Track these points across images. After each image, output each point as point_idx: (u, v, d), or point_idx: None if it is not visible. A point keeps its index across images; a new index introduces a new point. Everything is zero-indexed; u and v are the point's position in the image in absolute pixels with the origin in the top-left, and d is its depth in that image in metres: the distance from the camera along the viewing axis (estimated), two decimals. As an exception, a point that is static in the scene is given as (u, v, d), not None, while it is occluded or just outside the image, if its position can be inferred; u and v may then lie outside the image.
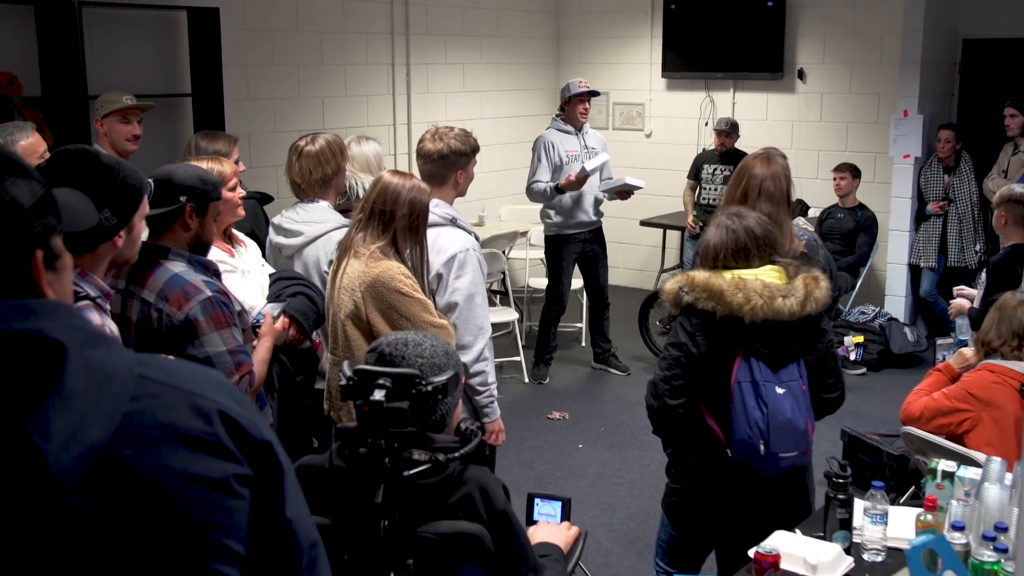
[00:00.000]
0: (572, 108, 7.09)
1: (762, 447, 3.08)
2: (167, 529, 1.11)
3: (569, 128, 7.11)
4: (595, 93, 7.19)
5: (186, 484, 1.12)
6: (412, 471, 2.04)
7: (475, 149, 3.93)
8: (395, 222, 3.39)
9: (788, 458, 3.12)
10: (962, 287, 5.30)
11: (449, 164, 3.84)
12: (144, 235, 2.76)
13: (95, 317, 2.44)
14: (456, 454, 2.11)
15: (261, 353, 3.25)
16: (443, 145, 3.82)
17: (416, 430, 2.11)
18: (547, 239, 7.31)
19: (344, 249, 3.48)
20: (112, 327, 2.52)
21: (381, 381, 2.04)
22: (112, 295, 2.62)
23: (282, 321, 3.62)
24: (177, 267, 2.92)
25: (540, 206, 7.27)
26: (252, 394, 3.08)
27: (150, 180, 2.79)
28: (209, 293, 2.90)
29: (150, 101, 5.39)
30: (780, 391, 3.10)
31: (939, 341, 4.57)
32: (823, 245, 4.18)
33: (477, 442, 2.18)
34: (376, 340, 2.36)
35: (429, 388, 2.08)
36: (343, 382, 2.09)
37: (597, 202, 7.20)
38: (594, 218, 7.21)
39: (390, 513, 2.04)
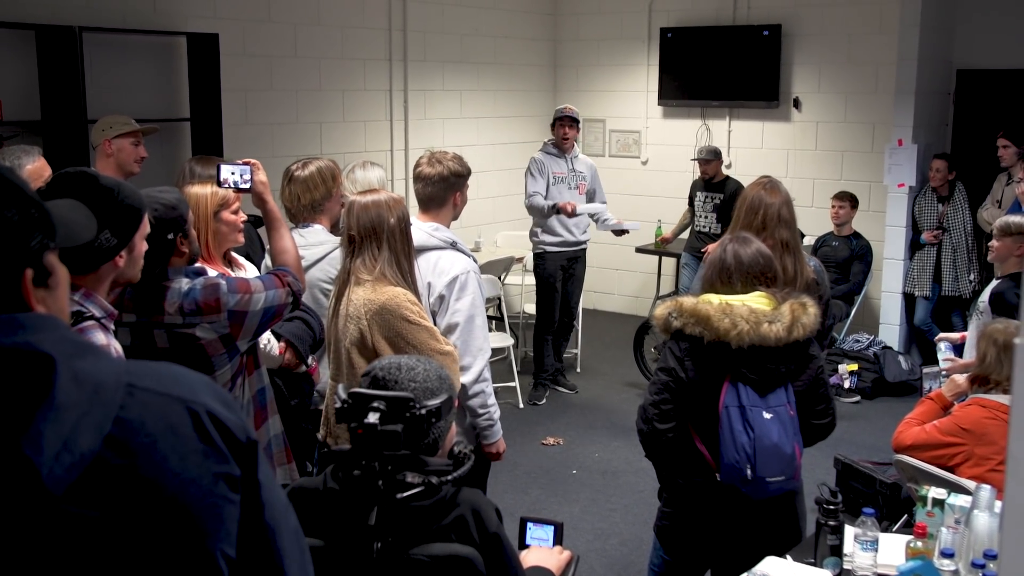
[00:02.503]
0: (555, 132, 7.40)
1: (749, 471, 3.09)
2: (161, 533, 1.13)
3: (556, 151, 7.39)
4: (572, 118, 7.37)
5: (177, 489, 1.14)
6: (405, 493, 2.06)
7: (469, 172, 3.99)
8: (387, 239, 3.39)
9: (776, 482, 3.13)
10: (946, 336, 5.23)
11: (449, 186, 3.88)
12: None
13: (100, 337, 2.45)
14: (449, 477, 2.13)
15: (277, 232, 3.43)
16: (442, 168, 3.87)
17: (409, 453, 2.12)
18: (534, 256, 7.55)
19: (343, 279, 3.48)
20: (117, 347, 2.54)
21: (375, 404, 2.06)
22: (116, 315, 2.64)
23: (279, 345, 3.65)
24: (183, 284, 3.00)
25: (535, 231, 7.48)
26: (302, 286, 3.33)
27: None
28: (219, 280, 3.04)
29: (151, 125, 5.48)
30: (767, 416, 3.12)
31: (925, 370, 4.56)
32: (826, 273, 4.24)
33: (470, 465, 2.20)
34: (370, 364, 2.37)
35: (423, 412, 2.09)
36: (338, 405, 2.11)
37: (584, 224, 7.48)
38: (580, 238, 7.48)
39: (383, 535, 2.05)
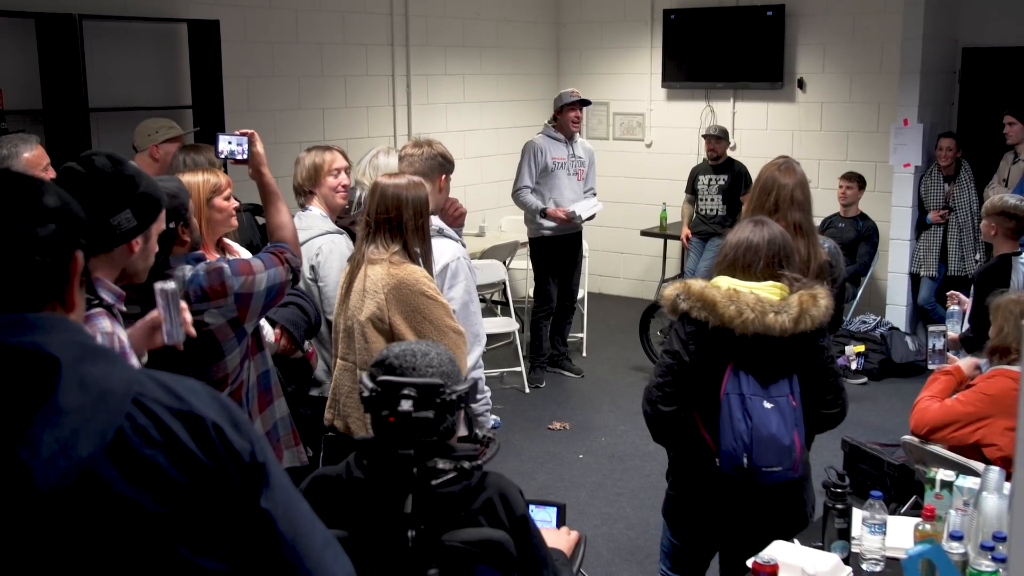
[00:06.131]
0: (564, 117, 7.30)
1: (745, 459, 3.07)
2: (154, 542, 1.11)
3: (559, 136, 7.32)
4: (586, 102, 7.38)
5: (173, 502, 1.13)
6: (439, 479, 2.05)
7: (453, 163, 4.04)
8: (403, 225, 3.42)
9: (772, 472, 3.09)
10: (958, 293, 5.22)
11: (436, 165, 3.93)
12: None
13: (106, 324, 2.43)
14: (480, 461, 2.12)
15: (274, 206, 3.43)
16: (432, 149, 3.94)
17: (437, 439, 2.11)
18: (530, 241, 7.53)
19: (356, 261, 3.49)
20: (122, 335, 2.51)
21: (407, 391, 2.04)
22: (125, 296, 2.62)
23: (274, 332, 3.64)
24: (185, 271, 3.00)
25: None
26: (300, 261, 3.40)
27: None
28: (222, 264, 3.05)
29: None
30: (768, 406, 3.08)
31: (931, 328, 4.54)
32: (842, 254, 4.20)
33: (497, 449, 2.18)
34: (380, 352, 2.35)
35: (453, 397, 2.08)
36: (366, 393, 2.08)
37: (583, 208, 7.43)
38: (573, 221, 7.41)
39: (417, 523, 2.03)
